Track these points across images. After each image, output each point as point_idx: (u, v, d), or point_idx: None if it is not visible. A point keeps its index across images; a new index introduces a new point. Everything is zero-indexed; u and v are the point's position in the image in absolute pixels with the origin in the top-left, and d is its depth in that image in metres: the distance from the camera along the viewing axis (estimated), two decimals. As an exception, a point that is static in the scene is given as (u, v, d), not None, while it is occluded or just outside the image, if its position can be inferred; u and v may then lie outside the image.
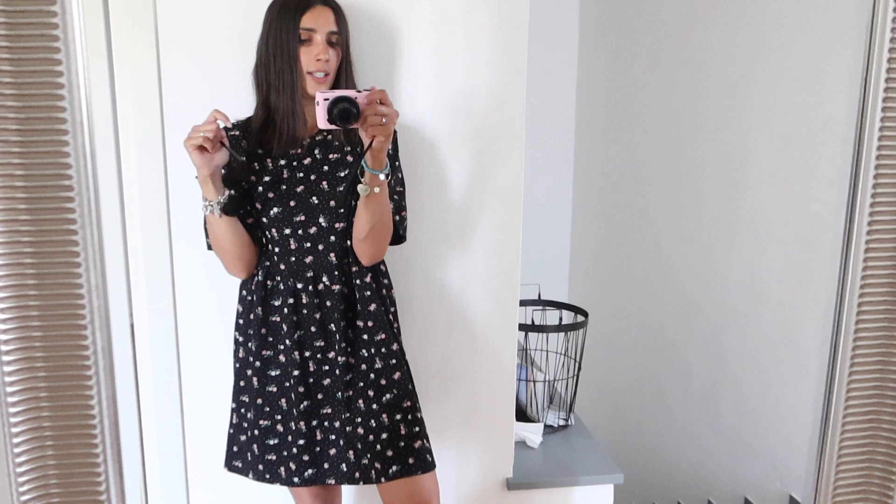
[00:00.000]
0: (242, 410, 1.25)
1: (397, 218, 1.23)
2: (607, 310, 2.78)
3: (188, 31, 1.29)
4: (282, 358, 1.20)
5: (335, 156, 1.19)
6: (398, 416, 1.21)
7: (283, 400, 1.21)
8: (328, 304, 1.18)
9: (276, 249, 1.19)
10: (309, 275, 1.18)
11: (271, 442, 1.22)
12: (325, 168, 1.19)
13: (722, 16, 2.15)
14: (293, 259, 1.18)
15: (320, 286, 1.18)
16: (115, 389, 0.58)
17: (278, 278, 1.19)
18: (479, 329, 1.49)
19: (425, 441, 1.24)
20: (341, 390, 1.20)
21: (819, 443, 0.79)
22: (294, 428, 1.20)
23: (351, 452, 1.20)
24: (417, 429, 1.23)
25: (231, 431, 1.27)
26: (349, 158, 1.19)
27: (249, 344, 1.22)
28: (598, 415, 2.69)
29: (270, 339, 1.21)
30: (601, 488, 1.59)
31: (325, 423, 1.21)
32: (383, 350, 1.21)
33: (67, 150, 0.52)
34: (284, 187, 1.17)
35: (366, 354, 1.20)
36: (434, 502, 1.25)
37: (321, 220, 1.17)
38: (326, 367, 1.20)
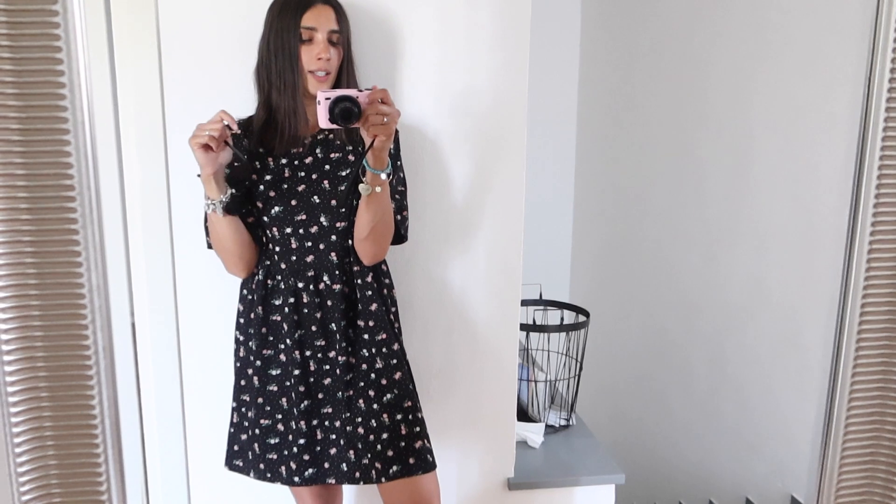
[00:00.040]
0: (243, 409, 1.25)
1: (399, 217, 1.23)
2: (609, 310, 2.78)
3: (190, 30, 1.29)
4: (282, 357, 1.20)
5: (336, 155, 1.19)
6: (399, 416, 1.21)
7: (284, 399, 1.21)
8: (329, 303, 1.18)
9: (277, 248, 1.18)
10: (310, 274, 1.18)
11: (272, 441, 1.22)
12: (327, 167, 1.18)
13: (723, 16, 2.15)
14: (294, 258, 1.18)
15: (321, 285, 1.18)
16: (116, 389, 0.58)
17: (279, 277, 1.19)
18: (481, 329, 1.49)
19: (426, 441, 1.24)
20: (342, 390, 1.20)
21: (822, 444, 0.79)
22: (295, 427, 1.20)
23: (351, 452, 1.20)
24: (418, 429, 1.23)
25: (232, 430, 1.27)
26: (351, 158, 1.19)
27: (250, 343, 1.22)
28: (600, 415, 2.69)
29: (271, 338, 1.21)
30: (602, 488, 1.59)
31: (326, 423, 1.21)
32: (384, 350, 1.21)
33: (69, 149, 0.52)
34: (286, 186, 1.17)
35: (366, 354, 1.20)
36: (434, 502, 1.25)
37: (322, 219, 1.17)
38: (327, 367, 1.20)
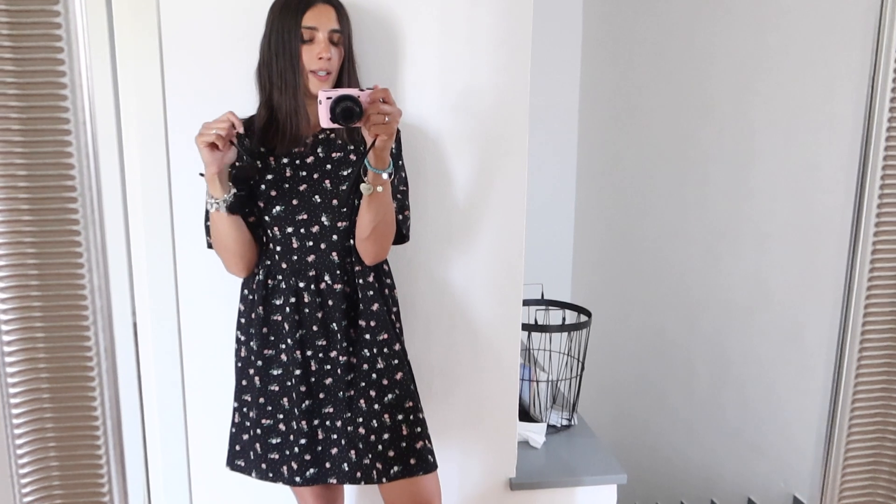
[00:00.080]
0: (245, 409, 1.25)
1: (400, 217, 1.23)
2: (610, 309, 2.78)
3: (191, 30, 1.29)
4: (283, 357, 1.20)
5: (338, 154, 1.19)
6: (400, 417, 1.21)
7: (285, 399, 1.21)
8: (330, 303, 1.18)
9: (278, 248, 1.18)
10: (311, 274, 1.17)
11: (274, 441, 1.22)
12: (328, 167, 1.18)
13: (724, 15, 2.15)
14: (295, 258, 1.18)
15: (322, 285, 1.18)
16: (117, 390, 0.58)
17: (279, 277, 1.19)
18: (482, 329, 1.49)
19: (427, 442, 1.23)
20: (343, 390, 1.20)
21: (825, 444, 0.78)
22: (296, 427, 1.20)
23: (352, 452, 1.20)
24: (419, 429, 1.23)
25: (233, 431, 1.27)
26: (352, 157, 1.19)
27: (251, 343, 1.22)
28: (601, 415, 2.68)
29: (272, 338, 1.21)
30: (604, 488, 1.59)
31: (327, 423, 1.21)
32: (385, 350, 1.21)
33: (70, 150, 0.51)
34: (287, 186, 1.17)
35: (368, 354, 1.20)
36: (435, 503, 1.25)
37: (323, 218, 1.17)
38: (328, 367, 1.20)
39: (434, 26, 1.34)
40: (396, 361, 1.22)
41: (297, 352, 1.18)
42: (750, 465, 2.08)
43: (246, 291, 1.24)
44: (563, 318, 1.83)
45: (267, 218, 1.18)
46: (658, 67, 2.52)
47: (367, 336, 1.20)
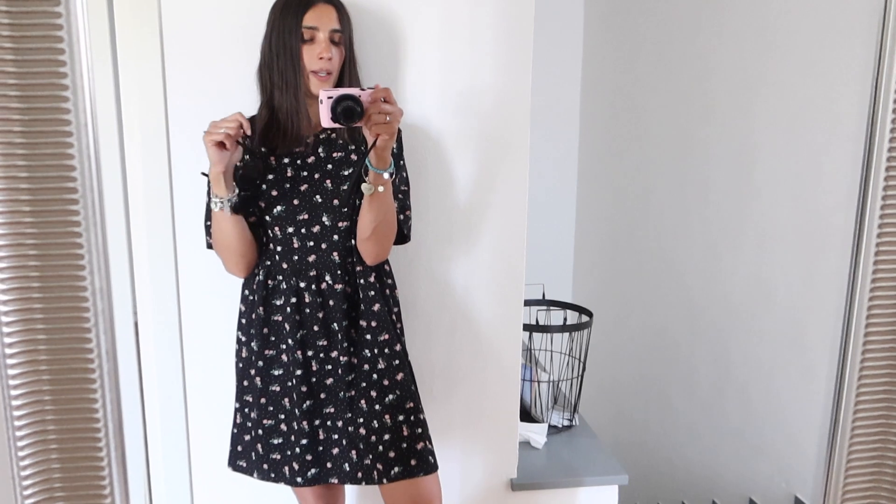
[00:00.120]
0: (246, 410, 1.25)
1: (401, 217, 1.23)
2: (611, 310, 2.77)
3: (192, 31, 1.29)
4: (284, 357, 1.20)
5: (339, 154, 1.19)
6: (401, 418, 1.21)
7: (286, 399, 1.21)
8: (331, 303, 1.18)
9: (279, 248, 1.18)
10: (312, 274, 1.17)
11: (275, 441, 1.22)
12: (329, 167, 1.18)
13: (726, 15, 2.14)
14: (296, 258, 1.18)
15: (323, 285, 1.18)
16: (119, 392, 0.58)
17: (280, 277, 1.19)
18: (484, 329, 1.49)
19: (427, 443, 1.23)
20: (344, 390, 1.20)
21: (828, 447, 0.78)
22: (297, 428, 1.20)
23: (353, 452, 1.19)
24: (420, 430, 1.23)
25: (235, 431, 1.27)
26: (353, 157, 1.19)
27: (252, 344, 1.22)
28: (603, 415, 2.68)
29: (273, 338, 1.21)
30: (606, 489, 1.59)
31: (328, 423, 1.21)
32: (386, 350, 1.21)
33: (72, 151, 0.51)
34: (288, 185, 1.17)
35: (368, 355, 1.20)
36: None
37: (324, 218, 1.16)
38: (329, 367, 1.20)
39: (435, 26, 1.34)
40: (397, 362, 1.22)
41: (298, 352, 1.18)
42: (751, 466, 2.08)
43: (246, 292, 1.24)
44: (565, 319, 1.83)
45: (268, 218, 1.17)
46: (659, 67, 2.52)
47: (368, 336, 1.20)
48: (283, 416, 1.22)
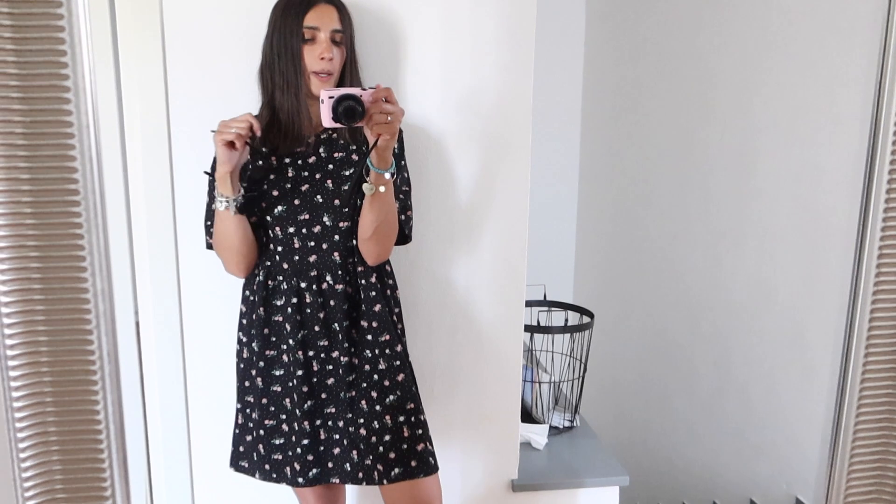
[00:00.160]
0: (247, 411, 1.25)
1: (403, 217, 1.23)
2: (612, 311, 2.77)
3: (194, 32, 1.29)
4: (285, 358, 1.20)
5: (340, 154, 1.19)
6: (401, 418, 1.21)
7: (288, 400, 1.21)
8: (332, 303, 1.18)
9: (280, 248, 1.18)
10: (312, 274, 1.17)
11: (277, 442, 1.22)
12: (330, 167, 1.18)
13: (727, 15, 2.14)
14: (297, 258, 1.17)
15: (324, 285, 1.17)
16: (120, 394, 0.58)
17: (280, 278, 1.19)
18: (485, 330, 1.48)
19: (428, 444, 1.23)
20: (344, 390, 1.20)
21: (830, 449, 0.78)
22: (298, 428, 1.20)
23: (354, 452, 1.19)
24: (420, 431, 1.23)
25: (237, 432, 1.27)
26: (354, 157, 1.19)
27: (253, 344, 1.22)
28: (604, 416, 2.68)
29: (273, 338, 1.21)
30: (607, 490, 1.59)
31: (329, 423, 1.21)
32: (387, 351, 1.21)
33: (73, 153, 0.51)
34: (289, 186, 1.17)
35: (369, 355, 1.20)
36: (437, 505, 1.25)
37: (325, 218, 1.16)
38: (330, 367, 1.20)
39: (436, 26, 1.34)
40: (398, 363, 1.22)
41: (299, 352, 1.18)
42: (752, 467, 2.08)
43: (247, 292, 1.24)
44: (566, 320, 1.83)
45: (269, 218, 1.17)
46: (661, 67, 2.52)
47: (369, 337, 1.20)
48: (284, 417, 1.21)
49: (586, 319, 1.79)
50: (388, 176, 1.09)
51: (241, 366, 1.25)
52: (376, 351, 1.20)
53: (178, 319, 1.41)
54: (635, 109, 2.69)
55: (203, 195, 1.23)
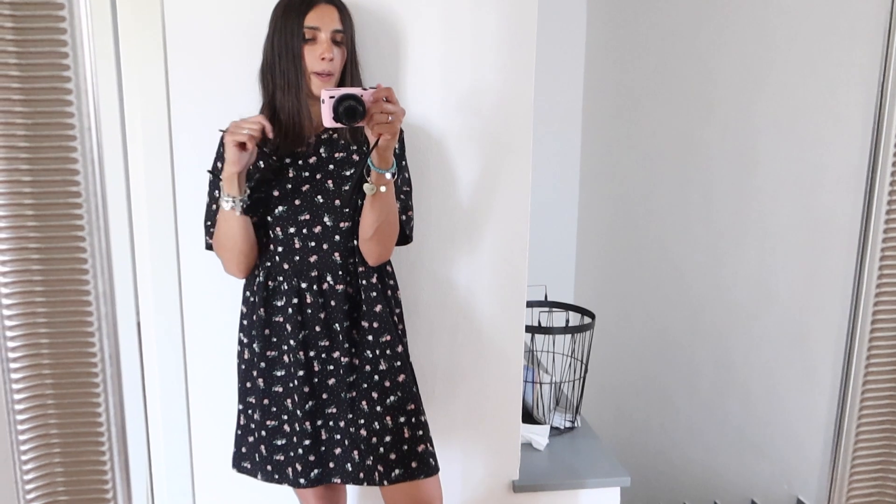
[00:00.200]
0: (249, 412, 1.24)
1: (404, 218, 1.23)
2: (613, 311, 2.77)
3: (195, 33, 1.29)
4: (286, 358, 1.20)
5: (341, 154, 1.19)
6: (402, 419, 1.21)
7: (289, 400, 1.21)
8: (332, 303, 1.18)
9: (280, 249, 1.18)
10: (313, 274, 1.17)
11: (279, 442, 1.22)
12: (331, 167, 1.18)
13: (729, 15, 2.14)
14: (297, 258, 1.17)
15: (324, 286, 1.17)
16: (122, 396, 0.58)
17: (280, 278, 1.18)
18: (486, 330, 1.48)
19: (429, 445, 1.23)
20: (345, 391, 1.20)
21: (832, 451, 0.78)
22: (299, 429, 1.20)
23: (355, 453, 1.19)
24: (421, 432, 1.22)
25: (239, 433, 1.27)
26: (355, 157, 1.19)
27: (254, 345, 1.21)
28: (605, 416, 2.68)
29: (274, 339, 1.21)
30: (608, 491, 1.58)
31: (330, 423, 1.21)
32: (388, 352, 1.21)
33: (75, 155, 0.51)
34: (290, 186, 1.17)
35: (370, 356, 1.20)
36: (437, 506, 1.25)
37: (326, 219, 1.16)
38: (331, 367, 1.19)
39: (437, 26, 1.33)
40: (399, 363, 1.22)
41: (300, 353, 1.18)
42: (753, 467, 2.08)
43: (248, 293, 1.24)
44: (567, 320, 1.83)
45: (269, 218, 1.17)
46: (662, 67, 2.51)
47: (370, 337, 1.20)
48: (286, 417, 1.21)
49: (587, 320, 1.78)
50: (388, 176, 1.08)
51: (243, 367, 1.25)
52: (377, 351, 1.20)
53: (180, 321, 1.41)
54: (636, 110, 2.69)
55: (204, 196, 1.23)
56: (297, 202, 1.16)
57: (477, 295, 1.47)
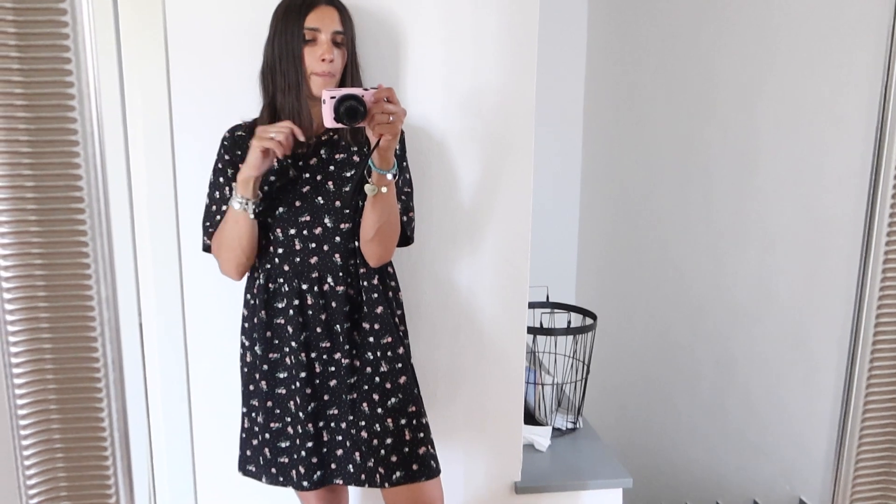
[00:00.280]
0: (253, 414, 1.24)
1: (405, 219, 1.23)
2: (615, 312, 2.77)
3: (196, 34, 1.28)
4: (288, 360, 1.20)
5: (341, 156, 1.19)
6: (403, 421, 1.21)
7: (292, 402, 1.21)
8: (333, 305, 1.18)
9: (280, 250, 1.18)
10: (314, 275, 1.17)
11: (283, 444, 1.22)
12: (332, 168, 1.18)
13: (730, 16, 2.13)
14: (298, 260, 1.17)
15: (325, 287, 1.17)
16: (125, 401, 0.58)
17: (281, 280, 1.18)
18: (488, 332, 1.48)
19: (430, 447, 1.23)
20: (346, 392, 1.20)
21: (836, 453, 0.78)
22: (302, 431, 1.20)
23: (357, 454, 1.19)
24: (422, 434, 1.22)
25: (243, 436, 1.27)
26: (356, 159, 1.19)
27: (256, 348, 1.21)
28: (606, 417, 2.68)
29: (276, 341, 1.20)
30: (610, 492, 1.58)
31: (332, 424, 1.21)
32: (389, 353, 1.21)
33: (78, 161, 0.51)
34: (290, 187, 1.17)
35: (371, 357, 1.20)
36: (439, 508, 1.24)
37: (326, 220, 1.16)
38: (332, 369, 1.19)
39: (438, 27, 1.33)
40: (400, 365, 1.21)
41: (302, 354, 1.18)
42: (755, 468, 2.08)
43: (248, 296, 1.23)
44: (569, 321, 1.82)
45: (270, 219, 1.17)
46: (663, 68, 2.51)
47: (371, 339, 1.20)
48: (289, 419, 1.21)
49: (589, 321, 1.78)
50: (389, 177, 1.08)
51: (245, 370, 1.25)
52: (378, 353, 1.20)
53: (182, 325, 1.41)
54: (637, 110, 2.69)
55: (203, 197, 1.22)
56: (297, 203, 1.16)
57: (479, 296, 1.47)
